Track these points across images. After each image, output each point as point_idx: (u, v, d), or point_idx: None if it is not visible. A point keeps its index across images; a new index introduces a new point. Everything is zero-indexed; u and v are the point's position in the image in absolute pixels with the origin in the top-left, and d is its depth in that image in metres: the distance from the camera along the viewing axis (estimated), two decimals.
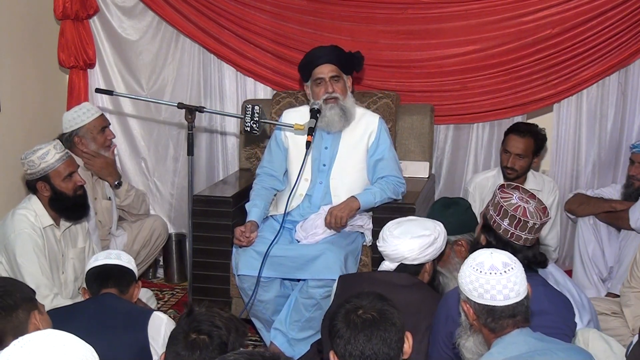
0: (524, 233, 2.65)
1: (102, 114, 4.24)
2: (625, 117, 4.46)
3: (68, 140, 4.09)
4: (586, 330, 3.00)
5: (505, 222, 2.66)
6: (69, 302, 3.43)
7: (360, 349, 2.01)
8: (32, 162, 3.52)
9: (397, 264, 2.89)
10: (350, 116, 3.84)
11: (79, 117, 4.12)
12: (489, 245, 2.53)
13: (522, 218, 2.64)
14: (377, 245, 2.98)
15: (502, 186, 2.78)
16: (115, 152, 4.48)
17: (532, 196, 2.75)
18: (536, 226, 2.66)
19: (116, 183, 4.28)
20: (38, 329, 2.29)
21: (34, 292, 2.42)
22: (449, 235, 3.10)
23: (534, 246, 2.72)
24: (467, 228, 3.22)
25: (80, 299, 3.60)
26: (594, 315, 3.25)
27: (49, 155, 3.52)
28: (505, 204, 2.67)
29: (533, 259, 2.70)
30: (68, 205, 3.60)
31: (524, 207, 2.66)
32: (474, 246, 2.72)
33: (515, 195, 2.71)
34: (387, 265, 2.93)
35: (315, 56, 3.87)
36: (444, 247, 2.97)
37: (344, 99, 3.82)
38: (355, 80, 4.20)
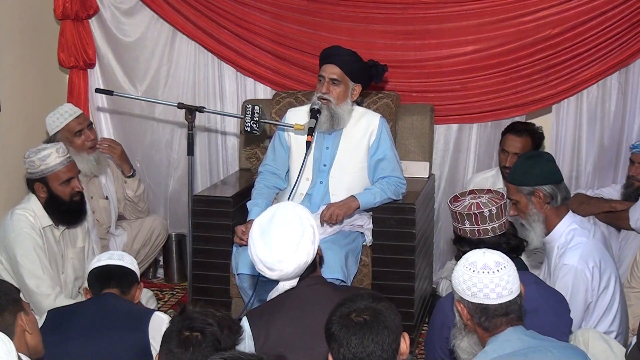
0: (487, 224, 2.82)
1: (80, 115, 4.17)
2: (625, 117, 4.45)
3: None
4: (586, 331, 3.01)
5: (467, 224, 2.85)
6: (70, 302, 3.44)
7: (353, 352, 2.00)
8: (32, 162, 3.53)
9: (297, 279, 2.57)
10: (338, 122, 3.81)
11: (54, 122, 4.10)
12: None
13: (477, 212, 2.82)
14: (267, 276, 2.55)
15: (454, 197, 2.96)
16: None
17: (489, 191, 2.94)
18: (494, 212, 2.82)
19: (132, 171, 4.34)
20: (25, 330, 2.30)
21: (18, 291, 2.42)
22: (528, 186, 3.14)
23: (506, 233, 2.87)
24: (546, 180, 3.18)
25: (80, 299, 3.62)
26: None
27: (50, 158, 3.52)
28: (459, 209, 2.86)
29: (506, 246, 2.78)
30: (63, 210, 3.60)
31: (477, 202, 2.86)
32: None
33: (467, 198, 2.91)
34: (288, 285, 2.58)
35: (327, 54, 3.87)
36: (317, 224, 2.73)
37: (337, 104, 3.80)
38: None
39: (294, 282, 2.57)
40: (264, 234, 2.52)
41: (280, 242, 2.50)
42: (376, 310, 2.05)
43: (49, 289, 3.47)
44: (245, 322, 2.54)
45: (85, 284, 3.63)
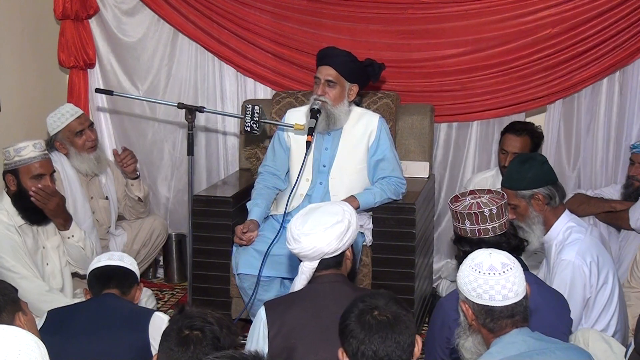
0: (487, 224, 2.81)
1: (81, 115, 4.17)
2: (624, 117, 4.45)
3: (50, 144, 4.07)
4: (586, 331, 3.01)
5: (467, 224, 2.83)
6: (61, 296, 3.45)
7: (374, 350, 2.01)
8: (8, 152, 3.54)
9: (318, 261, 2.64)
10: (335, 122, 3.81)
11: (54, 122, 4.10)
12: (465, 254, 2.51)
13: (477, 212, 2.80)
14: (289, 249, 2.68)
15: (454, 197, 2.95)
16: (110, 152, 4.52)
17: (489, 191, 2.93)
18: (494, 212, 2.81)
19: (137, 174, 4.34)
20: None
21: (16, 291, 2.41)
22: (526, 189, 3.17)
23: (506, 233, 2.85)
24: (544, 182, 3.22)
25: (73, 288, 3.66)
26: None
27: (25, 151, 3.52)
28: (459, 209, 2.85)
29: (507, 245, 2.77)
30: (27, 206, 3.55)
31: (477, 202, 2.85)
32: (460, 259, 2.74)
33: (468, 198, 2.90)
34: (307, 267, 2.65)
35: (322, 55, 3.87)
36: (359, 228, 2.84)
37: (333, 105, 3.79)
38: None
39: (313, 265, 2.63)
40: (310, 211, 2.69)
41: (315, 220, 2.62)
42: (397, 311, 2.07)
43: (37, 280, 3.49)
44: (262, 310, 2.59)
45: (75, 269, 3.65)
